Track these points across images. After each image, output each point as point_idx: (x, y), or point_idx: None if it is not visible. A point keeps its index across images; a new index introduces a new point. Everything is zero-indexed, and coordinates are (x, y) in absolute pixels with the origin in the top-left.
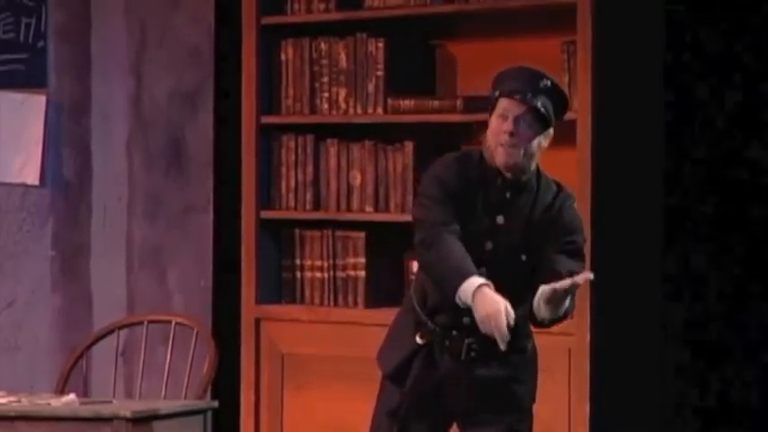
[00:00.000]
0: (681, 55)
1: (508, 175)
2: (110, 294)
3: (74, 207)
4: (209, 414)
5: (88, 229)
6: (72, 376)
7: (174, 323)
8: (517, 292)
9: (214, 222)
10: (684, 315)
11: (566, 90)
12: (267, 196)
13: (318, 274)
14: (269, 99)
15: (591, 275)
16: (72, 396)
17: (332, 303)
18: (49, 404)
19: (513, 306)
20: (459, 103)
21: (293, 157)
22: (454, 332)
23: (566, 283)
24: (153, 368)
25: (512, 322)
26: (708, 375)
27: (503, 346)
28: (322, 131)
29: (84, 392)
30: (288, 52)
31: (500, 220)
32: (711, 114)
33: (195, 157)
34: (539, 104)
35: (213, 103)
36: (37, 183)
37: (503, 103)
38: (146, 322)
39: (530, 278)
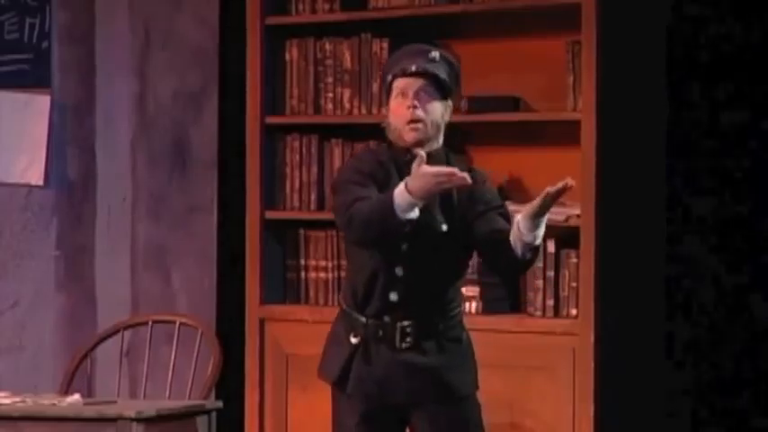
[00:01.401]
0: (685, 54)
1: (418, 150)
2: (114, 295)
3: (78, 207)
4: (214, 414)
5: (92, 229)
6: (76, 377)
7: (178, 323)
8: (441, 265)
9: (218, 222)
10: (689, 315)
11: (454, 59)
12: (272, 196)
13: (323, 275)
14: (273, 99)
15: (571, 180)
16: (76, 396)
17: (336, 304)
18: (53, 404)
19: (441, 281)
20: (463, 103)
21: (298, 157)
22: (386, 318)
23: (557, 185)
24: (157, 368)
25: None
26: (713, 376)
27: (469, 180)
28: (326, 132)
29: (88, 393)
30: (292, 52)
31: None
32: (715, 114)
33: (199, 158)
34: (436, 71)
35: (217, 104)
36: (41, 183)
37: (399, 83)
38: (150, 322)
39: (455, 250)
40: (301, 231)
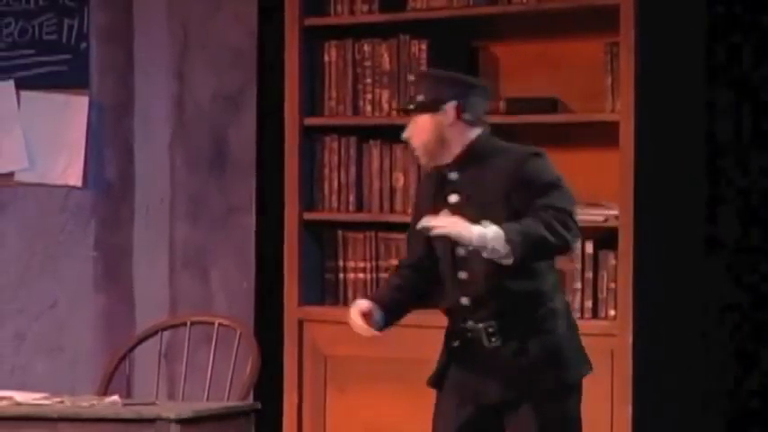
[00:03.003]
0: (723, 55)
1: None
2: (152, 296)
3: (116, 208)
4: (252, 415)
5: (131, 230)
6: (115, 378)
7: (216, 324)
8: (481, 274)
9: (256, 224)
10: (727, 315)
11: (434, 71)
12: (310, 198)
13: (361, 276)
14: (312, 100)
15: (428, 224)
16: (115, 397)
17: None
18: (91, 405)
19: (510, 277)
20: (501, 104)
21: (336, 158)
22: (469, 321)
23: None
24: (196, 369)
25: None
26: (751, 377)
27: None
28: (365, 133)
29: (126, 394)
30: (331, 54)
31: (453, 199)
32: (754, 114)
33: (238, 159)
34: (409, 107)
35: (256, 105)
36: (80, 184)
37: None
38: (188, 323)
39: None
40: (339, 233)
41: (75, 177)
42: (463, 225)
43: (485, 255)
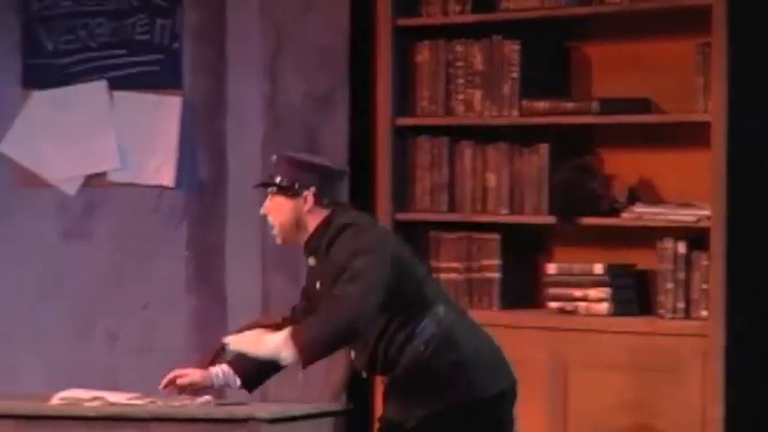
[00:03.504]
0: None
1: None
2: (244, 295)
3: (208, 208)
4: (344, 417)
5: (223, 230)
6: None
7: None
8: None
9: None
10: None
11: (295, 155)
12: (402, 198)
13: (453, 276)
14: (403, 101)
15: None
16: (207, 397)
17: (466, 305)
18: (184, 406)
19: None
20: (594, 105)
21: (428, 158)
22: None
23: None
24: (288, 370)
25: None
26: None
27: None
28: (457, 133)
29: (219, 394)
30: (423, 54)
31: (318, 285)
32: None
33: (329, 159)
34: (270, 189)
35: (347, 105)
36: (172, 184)
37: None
38: (280, 322)
39: None
40: (431, 233)
41: (167, 177)
42: (256, 343)
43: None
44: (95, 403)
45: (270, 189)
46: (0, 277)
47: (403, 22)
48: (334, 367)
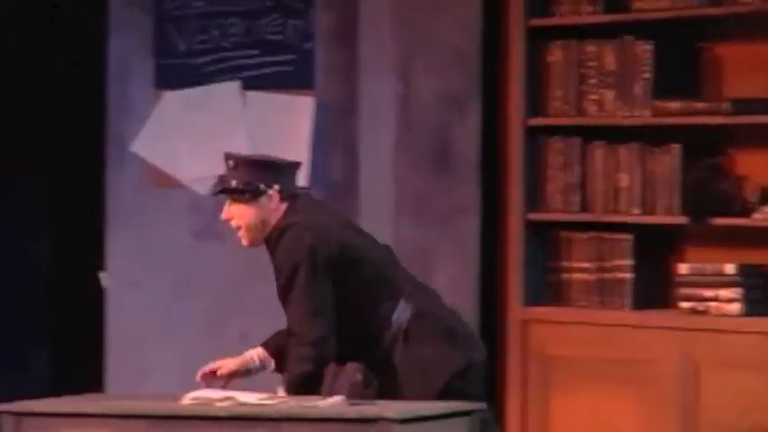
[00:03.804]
0: None
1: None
2: None
3: (341, 208)
4: (476, 416)
5: None
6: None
7: None
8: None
9: (480, 224)
10: None
11: (251, 156)
12: (533, 198)
13: (584, 276)
14: (535, 101)
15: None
16: (339, 397)
17: (598, 305)
18: (314, 405)
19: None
20: (725, 104)
21: (560, 159)
22: None
23: None
24: None
25: None
26: None
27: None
28: (588, 134)
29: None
30: (555, 54)
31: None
32: None
33: (461, 159)
34: (226, 185)
35: (479, 105)
36: (305, 184)
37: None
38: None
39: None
40: (563, 233)
41: (300, 177)
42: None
43: None
44: (226, 403)
45: (236, 194)
46: (133, 277)
47: (535, 22)
48: None
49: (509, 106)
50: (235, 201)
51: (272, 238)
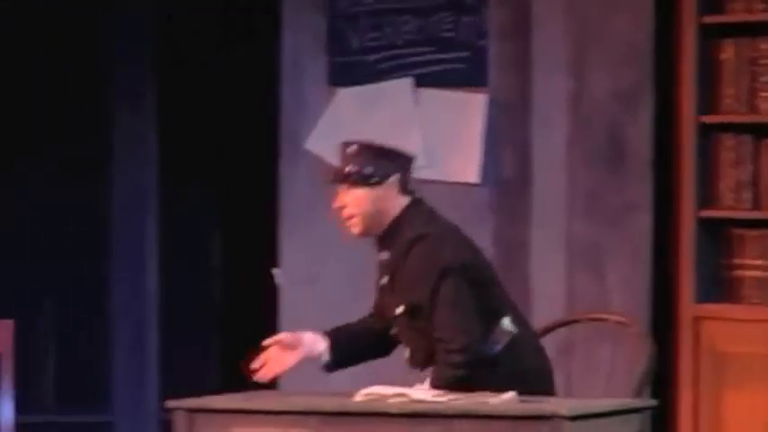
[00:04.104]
0: None
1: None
2: (549, 292)
3: (513, 205)
4: (647, 413)
5: (528, 226)
6: None
7: (611, 321)
8: (416, 345)
9: (653, 221)
10: None
11: (377, 144)
12: (705, 195)
13: (757, 273)
14: (707, 98)
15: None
16: (511, 394)
17: None
18: (485, 402)
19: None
20: None
21: (731, 156)
22: None
23: None
24: (591, 366)
25: None
26: None
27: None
28: (760, 131)
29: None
30: (727, 51)
31: (384, 280)
32: None
33: (634, 156)
34: (347, 171)
35: (652, 102)
36: (477, 181)
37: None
38: (584, 320)
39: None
40: (735, 230)
41: (472, 174)
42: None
43: None
44: (399, 400)
45: (352, 179)
46: (307, 274)
47: (707, 19)
48: (638, 362)
49: (681, 103)
50: (351, 187)
51: (404, 241)
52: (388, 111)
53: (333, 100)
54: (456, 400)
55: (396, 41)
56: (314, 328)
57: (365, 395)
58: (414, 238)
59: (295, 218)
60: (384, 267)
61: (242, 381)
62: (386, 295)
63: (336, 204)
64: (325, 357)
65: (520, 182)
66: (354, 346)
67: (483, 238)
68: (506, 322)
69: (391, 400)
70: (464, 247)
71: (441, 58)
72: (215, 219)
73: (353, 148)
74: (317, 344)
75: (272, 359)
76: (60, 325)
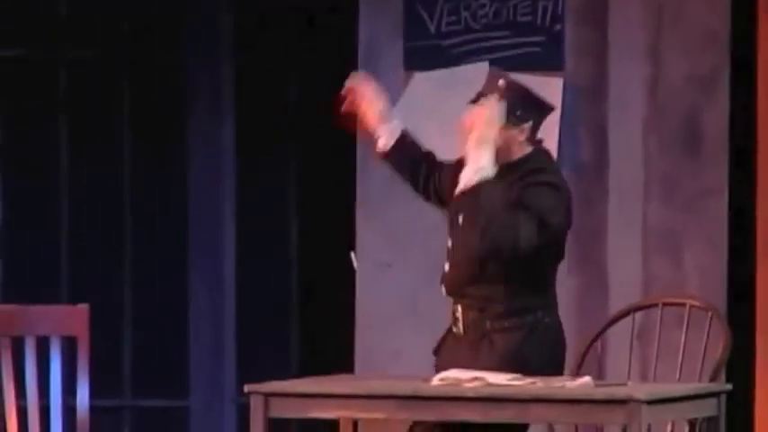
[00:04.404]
0: None
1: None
2: (625, 277)
3: (589, 189)
4: (723, 397)
5: (604, 211)
6: (587, 359)
7: (688, 306)
8: (458, 238)
9: (729, 206)
10: None
11: (525, 85)
12: None
13: None
14: None
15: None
16: (587, 379)
17: None
18: (563, 386)
19: (480, 278)
20: None
21: None
22: (455, 305)
23: None
24: (667, 351)
25: None
26: None
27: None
28: None
29: (598, 375)
30: None
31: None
32: None
33: (711, 141)
34: (490, 101)
35: (729, 86)
36: None
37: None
38: (660, 305)
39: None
40: None
41: None
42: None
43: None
44: (475, 384)
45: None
46: (384, 258)
47: None
48: (714, 346)
49: (759, 88)
50: (485, 107)
51: (522, 180)
52: (464, 95)
53: (409, 84)
54: (531, 384)
55: (472, 26)
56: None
57: (441, 379)
58: (537, 169)
59: (372, 201)
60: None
61: (319, 365)
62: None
63: (466, 121)
64: (384, 142)
65: (596, 166)
66: (411, 151)
67: None
68: None
69: (467, 384)
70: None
71: (517, 42)
72: (293, 204)
73: (503, 81)
74: (392, 119)
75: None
76: (137, 310)
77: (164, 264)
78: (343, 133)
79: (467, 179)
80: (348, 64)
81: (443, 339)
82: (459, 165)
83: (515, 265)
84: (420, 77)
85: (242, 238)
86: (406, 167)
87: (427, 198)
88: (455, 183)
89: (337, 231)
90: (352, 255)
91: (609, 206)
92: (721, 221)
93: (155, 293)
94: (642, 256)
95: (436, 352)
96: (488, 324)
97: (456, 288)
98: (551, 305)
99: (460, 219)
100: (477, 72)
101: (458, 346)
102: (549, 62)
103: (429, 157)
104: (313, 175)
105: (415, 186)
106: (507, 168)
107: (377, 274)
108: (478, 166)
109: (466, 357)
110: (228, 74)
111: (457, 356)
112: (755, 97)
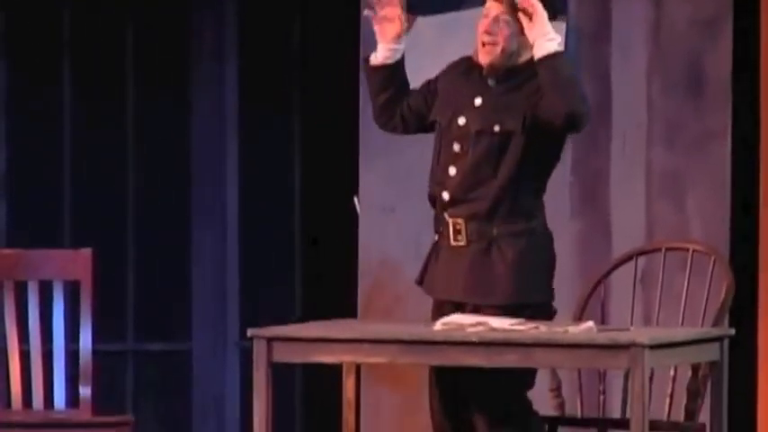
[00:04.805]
0: None
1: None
2: (628, 221)
3: (593, 133)
4: (726, 341)
5: (607, 155)
6: (590, 303)
7: (691, 250)
8: (489, 164)
9: (732, 151)
10: None
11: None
12: None
13: None
14: None
15: None
16: (590, 323)
17: None
18: (565, 331)
19: (489, 179)
20: None
21: None
22: (445, 214)
23: None
24: (670, 295)
25: None
26: None
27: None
28: None
29: (601, 320)
30: None
31: (478, 101)
32: None
33: (714, 84)
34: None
35: (731, 31)
36: None
37: (487, 4)
38: (663, 249)
39: (515, 153)
40: None
41: None
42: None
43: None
44: (478, 329)
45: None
46: (387, 202)
47: None
48: (717, 291)
49: (763, 30)
50: (505, 21)
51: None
52: (466, 39)
53: (412, 28)
54: (534, 328)
55: None
56: None
57: (444, 324)
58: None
59: (375, 146)
60: (478, 87)
61: (322, 309)
62: (470, 112)
63: (484, 26)
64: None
65: (599, 110)
66: (395, 81)
67: (562, 166)
68: None
69: (470, 329)
70: None
71: None
72: (296, 147)
73: None
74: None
75: None
76: (140, 254)
77: (166, 208)
78: (347, 78)
79: (539, 46)
80: (351, 5)
81: (427, 264)
82: (428, 84)
83: (530, 162)
84: (422, 22)
85: (245, 182)
86: (381, 90)
87: (384, 123)
88: (433, 99)
89: (340, 176)
90: (356, 199)
91: (612, 149)
92: (724, 165)
93: (157, 238)
94: (645, 200)
95: (421, 281)
96: (495, 230)
97: (463, 192)
98: (543, 210)
99: (479, 104)
100: (479, 16)
101: (456, 259)
102: (551, 6)
103: (405, 89)
104: (316, 119)
105: (380, 109)
106: (509, 70)
107: (380, 219)
108: (553, 36)
109: (466, 269)
110: (232, 17)
111: (454, 272)
112: (759, 40)
